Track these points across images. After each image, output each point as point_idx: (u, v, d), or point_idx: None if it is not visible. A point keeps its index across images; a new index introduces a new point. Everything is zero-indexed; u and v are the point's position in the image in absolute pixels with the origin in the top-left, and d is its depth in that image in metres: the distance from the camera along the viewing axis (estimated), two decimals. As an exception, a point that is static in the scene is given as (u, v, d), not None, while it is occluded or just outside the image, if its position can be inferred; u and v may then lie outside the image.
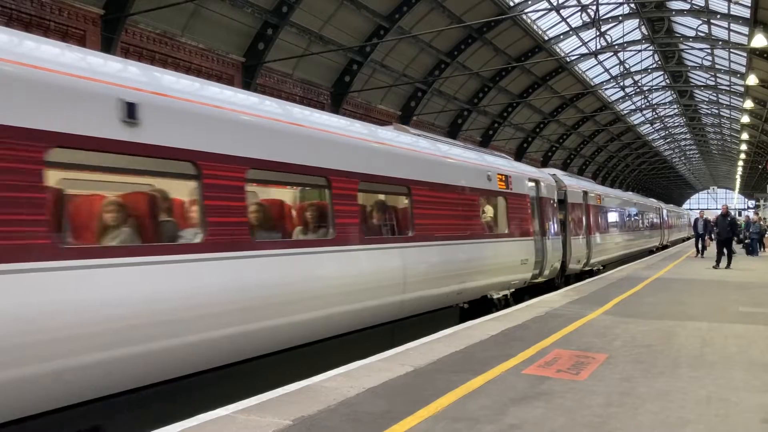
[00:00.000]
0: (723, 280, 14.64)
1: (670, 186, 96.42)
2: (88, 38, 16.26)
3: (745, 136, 42.90)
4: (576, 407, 4.66)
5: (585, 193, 17.91)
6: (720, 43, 33.81)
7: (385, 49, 26.33)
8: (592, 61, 37.79)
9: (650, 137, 62.34)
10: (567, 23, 32.79)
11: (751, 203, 68.28)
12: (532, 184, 13.19)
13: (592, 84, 41.31)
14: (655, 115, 54.78)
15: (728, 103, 46.22)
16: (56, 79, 4.37)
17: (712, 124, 57.32)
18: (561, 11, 31.00)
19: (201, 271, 5.19)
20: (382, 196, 8.55)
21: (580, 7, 30.17)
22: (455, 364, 6.00)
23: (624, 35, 34.99)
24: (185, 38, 19.15)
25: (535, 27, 31.61)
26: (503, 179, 11.53)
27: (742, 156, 53.22)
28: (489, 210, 11.31)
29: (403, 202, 8.70)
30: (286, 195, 7.79)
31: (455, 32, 28.02)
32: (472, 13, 26.95)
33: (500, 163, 12.14)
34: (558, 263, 14.49)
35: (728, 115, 50.20)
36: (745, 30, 28.08)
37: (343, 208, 7.01)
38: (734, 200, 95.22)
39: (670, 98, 50.63)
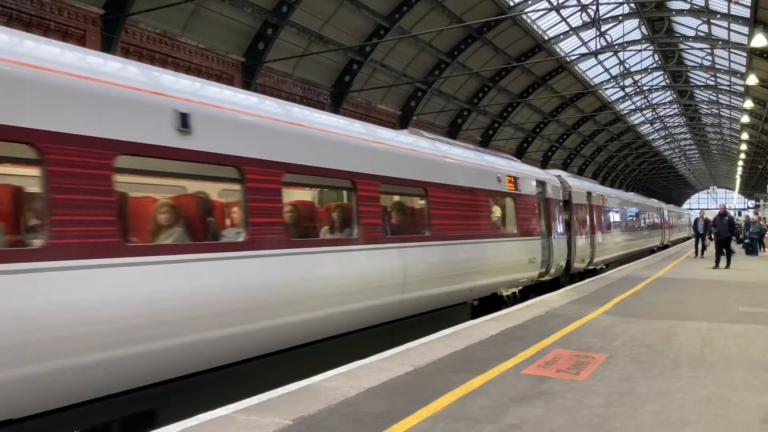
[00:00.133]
0: (723, 280, 14.65)
1: (669, 186, 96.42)
2: (88, 38, 16.25)
3: (745, 136, 42.93)
4: (576, 407, 4.66)
5: (589, 193, 18.23)
6: (720, 43, 33.80)
7: (385, 48, 26.32)
8: (592, 61, 37.78)
9: (650, 137, 62.35)
10: (567, 23, 32.77)
11: (751, 203, 68.24)
12: (539, 185, 13.52)
13: (592, 84, 41.29)
14: (655, 115, 54.78)
15: (728, 103, 46.20)
16: (123, 93, 4.81)
17: (712, 124, 57.32)
18: (561, 11, 30.98)
19: (243, 267, 5.61)
20: (401, 198, 8.99)
21: (580, 7, 30.17)
22: (455, 364, 6.00)
23: (624, 35, 34.98)
24: (185, 38, 19.15)
25: (535, 27, 31.59)
26: (512, 181, 11.87)
27: (742, 156, 53.26)
28: (499, 211, 11.63)
29: (419, 203, 9.12)
30: (317, 197, 8.33)
31: (455, 32, 28.01)
32: (472, 13, 26.94)
33: (509, 166, 12.49)
34: (563, 262, 14.92)
35: (728, 115, 50.20)
36: (745, 30, 28.07)
37: (366, 209, 7.40)
38: (734, 200, 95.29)
39: (670, 98, 50.62)
